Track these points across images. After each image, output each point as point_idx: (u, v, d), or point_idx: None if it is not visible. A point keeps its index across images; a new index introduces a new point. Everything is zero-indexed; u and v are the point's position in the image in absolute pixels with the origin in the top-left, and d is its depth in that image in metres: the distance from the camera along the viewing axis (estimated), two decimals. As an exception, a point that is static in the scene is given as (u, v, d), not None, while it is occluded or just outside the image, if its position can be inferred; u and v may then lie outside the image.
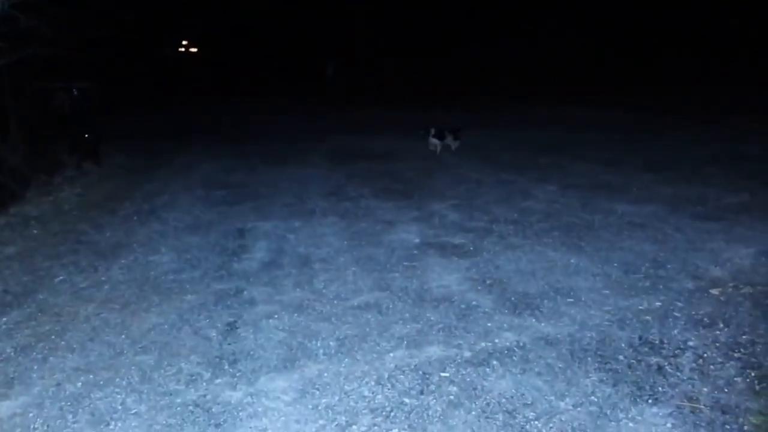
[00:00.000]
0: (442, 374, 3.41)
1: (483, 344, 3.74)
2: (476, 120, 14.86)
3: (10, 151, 9.83)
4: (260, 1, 28.77)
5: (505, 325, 4.00)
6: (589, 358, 3.54)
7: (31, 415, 3.18)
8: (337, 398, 3.22)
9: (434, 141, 10.53)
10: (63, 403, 3.27)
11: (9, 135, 10.22)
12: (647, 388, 3.22)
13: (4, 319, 4.34)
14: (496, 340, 3.79)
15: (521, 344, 3.72)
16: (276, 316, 4.24)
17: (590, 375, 3.37)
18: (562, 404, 3.10)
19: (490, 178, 8.53)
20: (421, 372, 3.44)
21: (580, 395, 3.18)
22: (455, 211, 6.80)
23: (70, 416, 3.15)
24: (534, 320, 4.06)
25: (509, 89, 22.12)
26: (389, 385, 3.32)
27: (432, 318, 4.13)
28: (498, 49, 26.82)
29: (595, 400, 3.14)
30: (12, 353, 3.84)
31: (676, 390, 3.19)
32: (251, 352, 3.74)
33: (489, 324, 4.02)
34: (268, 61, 27.93)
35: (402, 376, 3.40)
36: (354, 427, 2.98)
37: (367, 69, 27.97)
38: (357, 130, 13.87)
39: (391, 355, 3.64)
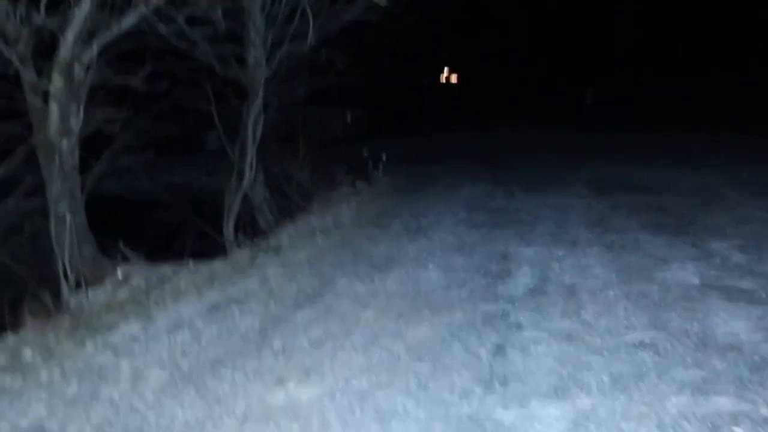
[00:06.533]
0: (735, 429, 3.10)
1: (785, 403, 3.32)
2: (753, 149, 13.28)
3: (298, 169, 11.24)
4: (515, 32, 29.15)
5: (813, 386, 3.50)
6: None
7: (325, 403, 3.56)
8: (613, 435, 3.11)
9: None
10: (351, 397, 3.60)
11: (298, 155, 11.68)
12: None
13: (300, 316, 4.94)
14: (802, 402, 3.34)
15: (836, 411, 3.23)
16: (544, 343, 4.21)
17: None
18: None
19: (781, 218, 7.56)
20: (709, 423, 3.15)
21: None
22: (740, 253, 6.13)
23: (357, 410, 3.46)
24: None
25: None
26: (672, 432, 3.11)
27: (718, 366, 3.77)
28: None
29: None
30: (307, 346, 4.35)
31: None
32: (521, 376, 3.76)
33: (791, 382, 3.56)
34: (526, 90, 28.04)
35: (687, 424, 3.15)
36: (635, 468, 2.85)
37: (627, 96, 26.65)
38: (619, 159, 13.25)
39: (673, 400, 3.40)
